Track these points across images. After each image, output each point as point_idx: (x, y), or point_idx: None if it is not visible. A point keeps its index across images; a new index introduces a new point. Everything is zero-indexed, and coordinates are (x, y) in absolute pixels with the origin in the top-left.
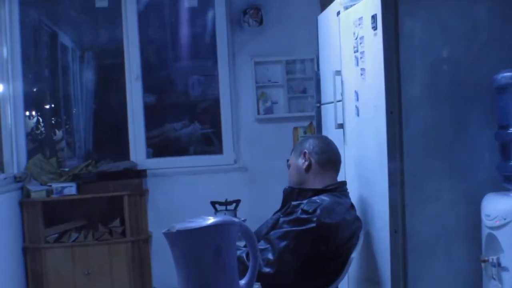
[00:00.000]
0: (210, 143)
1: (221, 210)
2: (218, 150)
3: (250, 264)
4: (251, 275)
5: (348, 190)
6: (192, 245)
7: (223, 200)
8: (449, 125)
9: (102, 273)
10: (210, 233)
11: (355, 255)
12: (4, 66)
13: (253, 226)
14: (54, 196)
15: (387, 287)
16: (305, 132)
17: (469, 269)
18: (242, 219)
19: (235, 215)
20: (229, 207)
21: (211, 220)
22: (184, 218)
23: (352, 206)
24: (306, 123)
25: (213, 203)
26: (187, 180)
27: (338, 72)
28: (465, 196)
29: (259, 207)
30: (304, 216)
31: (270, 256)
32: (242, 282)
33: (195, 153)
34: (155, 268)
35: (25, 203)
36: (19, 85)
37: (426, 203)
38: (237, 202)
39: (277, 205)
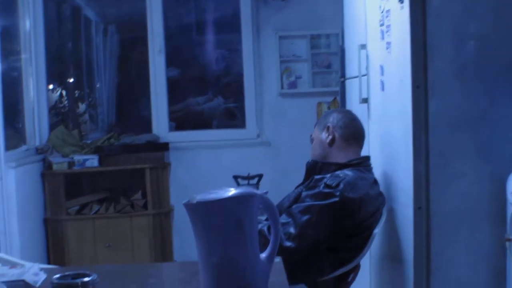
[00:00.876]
0: (233, 117)
1: (243, 185)
2: (241, 125)
3: (271, 237)
4: (272, 249)
5: (372, 166)
6: (212, 217)
7: (246, 175)
8: (476, 101)
9: (123, 246)
10: (231, 205)
11: (377, 231)
12: (27, 39)
13: (275, 201)
14: (76, 168)
15: (410, 264)
16: (328, 108)
17: (493, 248)
18: (264, 191)
19: (257, 189)
20: (251, 182)
21: (232, 191)
22: (210, 190)
23: (375, 181)
24: (330, 99)
25: (235, 177)
26: (209, 154)
27: (363, 46)
28: (490, 174)
29: (282, 182)
30: (327, 190)
31: (292, 230)
32: (263, 255)
33: (218, 127)
34: (176, 242)
35: (47, 175)
36: (41, 58)
37: (451, 180)
38: (260, 176)
39: (300, 180)
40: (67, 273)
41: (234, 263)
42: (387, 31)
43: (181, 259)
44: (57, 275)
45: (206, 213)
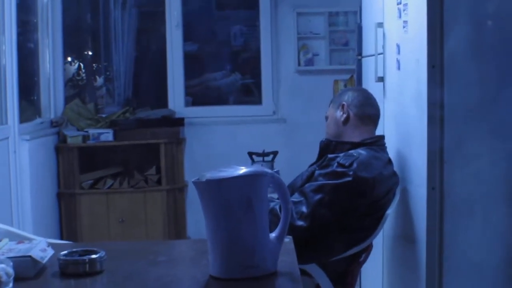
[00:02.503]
0: (250, 93)
1: (258, 161)
2: (258, 101)
3: (281, 217)
4: (282, 229)
5: (386, 145)
6: (222, 195)
7: (261, 151)
8: (492, 82)
9: (137, 221)
10: (240, 184)
11: (390, 211)
12: (44, 11)
13: (290, 179)
14: (90, 142)
15: (423, 245)
16: (345, 85)
17: (506, 230)
18: (275, 169)
19: (272, 167)
20: (266, 159)
21: (242, 170)
22: (221, 168)
23: (389, 161)
24: (347, 77)
25: (250, 154)
26: (225, 130)
27: (380, 24)
28: (506, 156)
29: (297, 159)
30: (340, 169)
31: (304, 209)
32: (273, 235)
33: (235, 103)
34: (189, 217)
35: (61, 148)
36: (58, 30)
37: (465, 161)
38: (275, 153)
39: (315, 157)
40: (74, 249)
41: (243, 242)
42: (404, 10)
43: (195, 235)
44: (64, 252)
45: (216, 192)
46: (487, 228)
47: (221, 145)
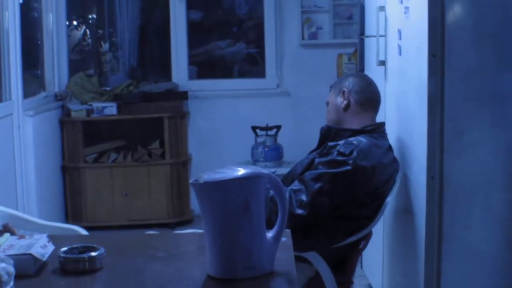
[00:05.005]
0: (255, 63)
1: (261, 135)
2: (262, 72)
3: (278, 218)
4: (279, 228)
5: (387, 131)
6: (219, 197)
7: (264, 125)
8: (493, 71)
9: (140, 194)
10: (238, 186)
11: (390, 199)
12: None
13: (293, 152)
14: (94, 116)
15: (422, 232)
16: (349, 59)
17: (506, 218)
18: (272, 170)
19: (275, 141)
20: (269, 133)
21: (240, 171)
22: (224, 142)
23: (390, 147)
24: (351, 50)
25: (253, 128)
26: (228, 103)
27: (382, 8)
28: (506, 145)
29: (300, 133)
30: (340, 158)
31: (303, 197)
32: (270, 235)
33: (240, 72)
34: (193, 191)
35: (65, 122)
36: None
37: (465, 150)
38: (278, 127)
39: (318, 131)
40: (74, 245)
41: (240, 244)
42: None
43: (198, 209)
44: (65, 248)
45: (213, 193)
46: (487, 217)
47: (224, 118)
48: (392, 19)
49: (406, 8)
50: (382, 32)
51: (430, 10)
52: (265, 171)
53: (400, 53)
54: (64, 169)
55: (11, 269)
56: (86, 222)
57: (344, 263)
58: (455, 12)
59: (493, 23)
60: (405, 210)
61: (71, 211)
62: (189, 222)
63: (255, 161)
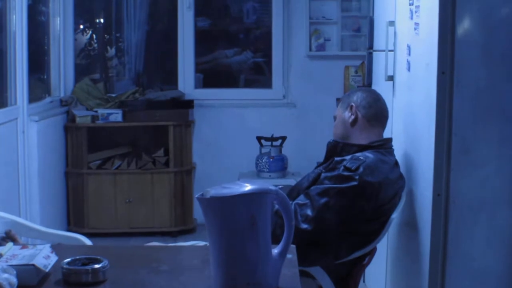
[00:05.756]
0: (261, 72)
1: (266, 146)
2: (268, 82)
3: (284, 234)
4: (284, 245)
5: (394, 147)
6: (225, 213)
7: (269, 136)
8: (502, 89)
9: (143, 202)
10: (244, 202)
11: (395, 215)
12: None
13: (297, 163)
14: (99, 122)
15: (426, 249)
16: (356, 72)
17: (511, 237)
18: (280, 186)
19: (280, 152)
20: (274, 143)
21: (247, 187)
22: (229, 151)
23: (396, 163)
24: (358, 63)
25: (258, 138)
26: (234, 113)
27: (392, 23)
28: None
29: (305, 145)
30: (346, 173)
31: (309, 212)
32: (275, 251)
33: (246, 81)
34: (196, 200)
35: (70, 127)
36: (70, 0)
37: (472, 167)
38: (283, 138)
39: (324, 143)
40: (78, 257)
41: (245, 259)
42: (416, 12)
43: (201, 218)
44: (68, 260)
45: (220, 209)
46: (492, 235)
47: (230, 128)
48: (402, 35)
49: (416, 24)
50: (391, 47)
51: (440, 27)
52: (272, 187)
53: (409, 69)
54: (67, 175)
55: (14, 280)
56: (88, 228)
57: (348, 278)
58: (465, 29)
59: (503, 41)
60: (410, 226)
61: (74, 217)
62: (191, 231)
63: (259, 172)
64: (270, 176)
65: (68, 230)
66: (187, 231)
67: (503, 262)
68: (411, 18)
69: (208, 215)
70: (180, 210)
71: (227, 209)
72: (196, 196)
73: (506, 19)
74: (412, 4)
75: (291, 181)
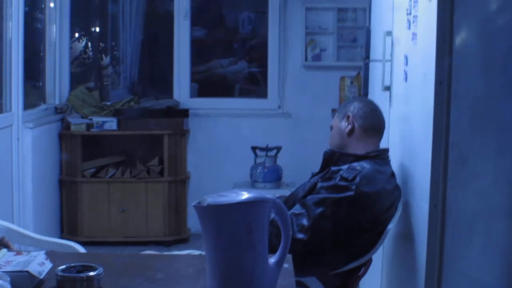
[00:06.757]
0: (257, 82)
1: (261, 156)
2: (264, 91)
3: (281, 244)
4: (281, 254)
5: (390, 158)
6: (222, 221)
7: (264, 146)
8: (499, 100)
9: (137, 211)
10: (241, 210)
11: (391, 226)
12: None
13: (292, 174)
14: (94, 130)
15: (422, 261)
16: (352, 82)
17: (508, 249)
18: (277, 195)
19: (275, 162)
20: (269, 153)
21: (244, 195)
22: (224, 161)
23: (392, 174)
24: (354, 73)
25: (253, 148)
26: (229, 122)
27: (389, 33)
28: (509, 175)
29: (300, 155)
30: (342, 183)
31: (305, 222)
32: (272, 260)
33: (241, 91)
34: (190, 210)
35: (64, 135)
36: (66, 9)
37: (469, 179)
38: (278, 149)
39: (319, 154)
40: (72, 264)
41: (242, 268)
42: (413, 22)
43: (195, 228)
44: (63, 267)
45: (216, 217)
46: (488, 247)
47: (225, 137)
48: (399, 45)
49: (414, 34)
50: (388, 57)
51: (438, 37)
52: (270, 196)
53: (406, 79)
54: (61, 183)
55: (8, 286)
56: (82, 237)
57: None
58: (463, 39)
59: (501, 51)
60: (406, 238)
61: (67, 225)
62: (185, 241)
63: (253, 182)
64: (264, 186)
65: (62, 238)
66: (181, 241)
67: (500, 274)
68: (409, 28)
69: (204, 223)
70: (174, 220)
71: (224, 218)
72: (193, 204)
73: (504, 29)
74: (410, 14)
75: (285, 192)
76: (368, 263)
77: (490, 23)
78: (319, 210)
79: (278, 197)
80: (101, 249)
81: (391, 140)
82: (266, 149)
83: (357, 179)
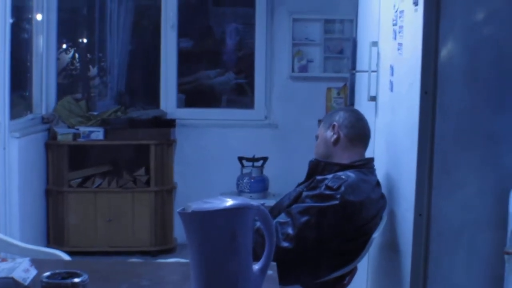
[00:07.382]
0: (244, 93)
1: (247, 166)
2: (251, 101)
3: (265, 250)
4: (265, 261)
5: (375, 167)
6: (206, 228)
7: (251, 156)
8: (484, 111)
9: (124, 221)
10: (226, 217)
11: (376, 235)
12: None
13: (278, 184)
14: (80, 140)
15: (407, 270)
16: (338, 94)
17: (492, 260)
18: (262, 202)
19: (261, 172)
20: (256, 164)
21: (228, 202)
22: (210, 171)
23: (378, 183)
24: (341, 85)
25: (240, 159)
26: (216, 133)
27: (375, 43)
28: (494, 185)
29: (287, 166)
30: (327, 192)
31: (289, 230)
32: (256, 267)
33: (228, 102)
34: (177, 220)
35: (51, 145)
36: (53, 19)
37: (454, 188)
38: (265, 159)
39: (305, 164)
40: (57, 271)
41: (226, 275)
42: (399, 32)
43: (181, 238)
44: (47, 273)
45: (201, 223)
46: (473, 256)
47: (211, 148)
48: (385, 55)
49: (400, 44)
50: (374, 68)
51: (424, 47)
52: (254, 202)
53: (391, 89)
54: (48, 193)
55: None
56: (67, 246)
57: None
58: (448, 50)
59: (486, 63)
60: (391, 247)
61: (53, 235)
62: (171, 251)
63: (240, 192)
64: (251, 196)
65: (48, 247)
66: (167, 251)
67: (484, 283)
68: (395, 39)
69: (189, 230)
70: (161, 230)
71: (208, 224)
72: (178, 210)
73: (489, 40)
74: (396, 25)
75: (272, 202)
76: (353, 272)
77: (475, 34)
78: (304, 219)
79: (262, 204)
80: (87, 259)
81: (376, 149)
82: (253, 159)
83: (342, 188)
